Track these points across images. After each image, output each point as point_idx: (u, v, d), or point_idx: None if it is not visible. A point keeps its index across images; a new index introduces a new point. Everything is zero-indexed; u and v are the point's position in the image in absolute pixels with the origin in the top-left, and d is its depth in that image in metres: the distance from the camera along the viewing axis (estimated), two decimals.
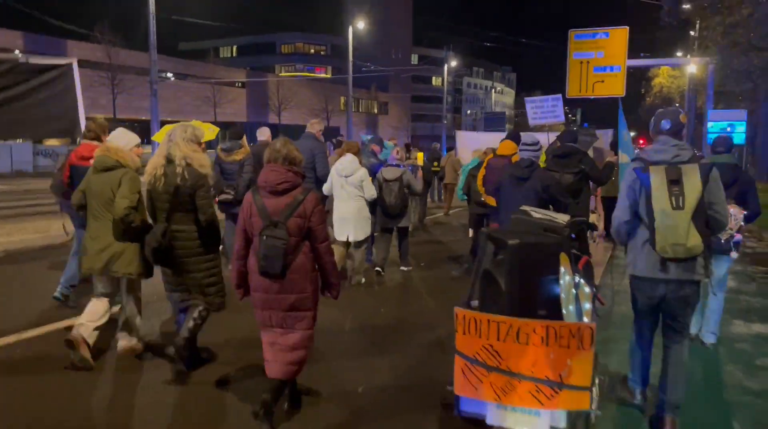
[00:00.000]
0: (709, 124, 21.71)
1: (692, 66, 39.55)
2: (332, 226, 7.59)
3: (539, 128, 14.05)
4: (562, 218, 3.75)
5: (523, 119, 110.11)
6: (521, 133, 7.65)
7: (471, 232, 8.62)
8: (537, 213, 3.79)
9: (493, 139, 15.49)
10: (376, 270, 7.56)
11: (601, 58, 23.92)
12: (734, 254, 4.98)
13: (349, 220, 6.92)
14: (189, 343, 4.25)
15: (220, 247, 4.92)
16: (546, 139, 9.38)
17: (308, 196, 3.53)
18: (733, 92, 26.59)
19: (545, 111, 12.81)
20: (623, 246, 3.84)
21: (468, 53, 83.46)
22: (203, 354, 4.52)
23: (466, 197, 8.40)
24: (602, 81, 24.56)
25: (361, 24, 41.07)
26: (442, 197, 15.09)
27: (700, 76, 33.72)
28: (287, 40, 77.16)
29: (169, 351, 4.19)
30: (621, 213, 3.67)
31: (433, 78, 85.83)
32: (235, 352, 4.84)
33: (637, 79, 45.83)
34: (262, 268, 3.45)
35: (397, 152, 7.78)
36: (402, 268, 7.98)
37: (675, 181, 3.37)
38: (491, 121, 66.17)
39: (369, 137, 10.87)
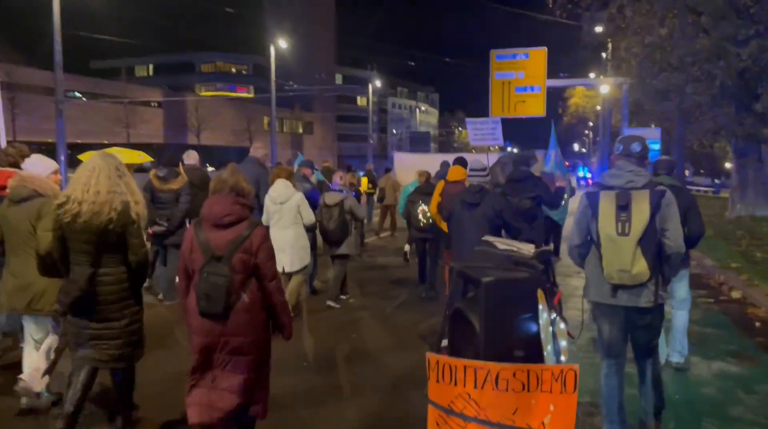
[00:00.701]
0: None
1: (605, 87, 41.68)
2: None
3: (480, 149, 14.27)
4: (527, 249, 3.56)
5: (448, 139, 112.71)
6: (464, 156, 7.58)
7: (414, 256, 8.25)
8: (501, 244, 3.55)
9: (430, 161, 15.64)
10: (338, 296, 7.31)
11: (522, 78, 24.65)
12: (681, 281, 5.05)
13: (285, 250, 6.49)
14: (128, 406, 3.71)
15: (147, 282, 4.40)
16: (486, 160, 9.41)
17: (255, 229, 3.25)
18: (647, 111, 28.09)
19: (485, 133, 12.97)
20: (579, 266, 3.78)
21: (392, 73, 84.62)
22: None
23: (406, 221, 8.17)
24: (524, 101, 25.26)
25: (283, 43, 40.42)
26: (382, 219, 14.74)
27: (614, 95, 35.52)
28: (207, 59, 75.26)
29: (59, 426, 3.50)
30: (573, 236, 3.67)
31: (358, 98, 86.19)
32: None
33: (554, 99, 47.98)
34: (202, 308, 3.13)
35: (341, 178, 7.46)
36: (341, 296, 7.59)
37: (623, 207, 3.33)
38: (416, 140, 67.08)
39: (298, 160, 10.38)
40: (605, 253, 3.35)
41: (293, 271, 6.59)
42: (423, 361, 5.50)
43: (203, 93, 69.31)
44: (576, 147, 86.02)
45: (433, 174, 8.87)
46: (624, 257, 3.28)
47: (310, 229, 6.89)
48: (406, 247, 9.93)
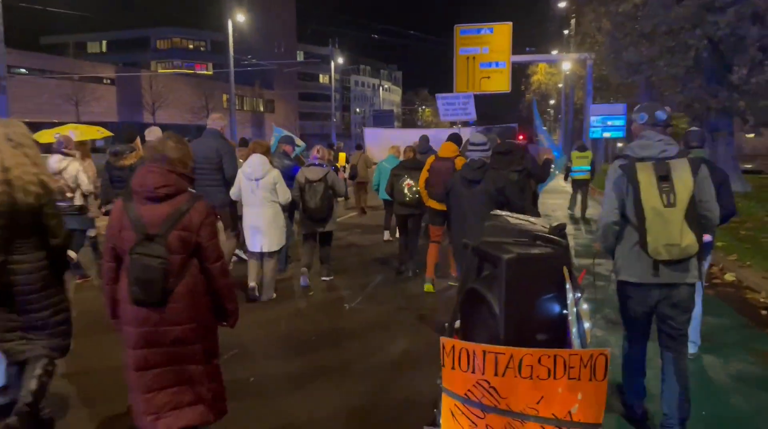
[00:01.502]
0: (593, 118, 22.78)
1: (567, 64, 41.88)
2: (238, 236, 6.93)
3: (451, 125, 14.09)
4: (541, 223, 3.32)
5: (412, 117, 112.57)
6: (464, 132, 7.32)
7: (398, 233, 8.16)
8: (512, 218, 3.26)
9: (404, 136, 15.47)
10: (302, 270, 6.97)
11: (487, 53, 24.48)
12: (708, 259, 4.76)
13: (262, 229, 6.22)
14: (35, 409, 3.12)
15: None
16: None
17: (196, 204, 2.88)
18: (611, 87, 28.22)
19: (456, 108, 12.85)
20: (608, 252, 3.52)
21: (354, 51, 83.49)
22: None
23: (389, 197, 7.90)
24: (488, 77, 25.12)
25: (241, 17, 39.11)
26: (358, 196, 14.48)
27: (577, 72, 35.67)
28: (163, 35, 72.61)
29: (10, 422, 3.03)
30: (609, 214, 3.38)
31: (321, 75, 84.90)
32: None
33: (518, 76, 48.00)
34: (135, 294, 2.74)
35: (318, 151, 7.09)
36: (323, 278, 7.34)
37: (664, 178, 3.14)
38: (379, 119, 66.28)
39: (277, 133, 9.83)
40: (651, 227, 3.12)
41: (270, 252, 6.32)
42: (409, 341, 5.23)
43: (162, 70, 67.09)
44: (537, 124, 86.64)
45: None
46: (672, 230, 3.08)
47: (284, 209, 6.61)
48: (386, 235, 9.91)
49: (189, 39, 74.20)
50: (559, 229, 2.99)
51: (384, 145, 13.76)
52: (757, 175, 23.66)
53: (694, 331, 4.72)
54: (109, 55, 68.26)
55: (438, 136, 15.87)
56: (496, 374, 2.42)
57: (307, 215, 6.81)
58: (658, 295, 3.26)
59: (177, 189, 2.87)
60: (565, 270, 2.76)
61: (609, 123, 23.31)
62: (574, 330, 2.64)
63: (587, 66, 25.03)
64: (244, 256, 7.45)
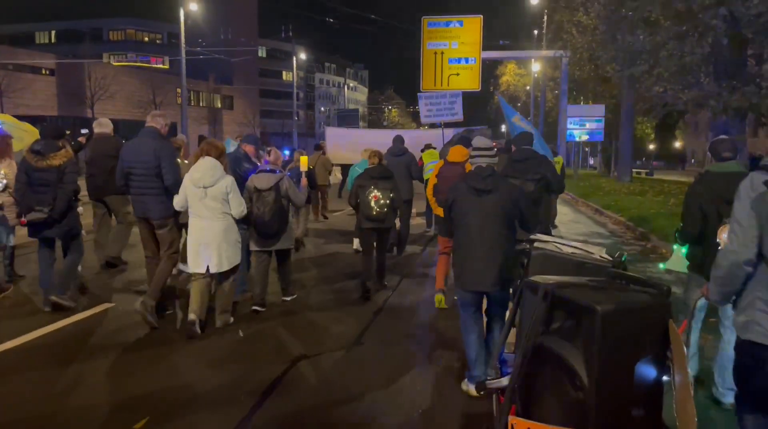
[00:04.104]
0: (569, 120, 21.02)
1: (537, 65, 40.32)
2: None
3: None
4: (598, 251, 3.14)
5: (377, 116, 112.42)
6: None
7: (357, 246, 7.72)
8: (566, 246, 3.13)
9: (370, 137, 14.45)
10: (254, 309, 6.15)
11: (456, 48, 22.77)
12: None
13: (212, 246, 5.45)
14: None
15: None
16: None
17: None
18: (585, 86, 26.61)
19: (442, 108, 11.25)
20: (726, 300, 2.66)
21: (319, 48, 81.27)
22: None
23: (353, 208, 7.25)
24: (457, 74, 23.36)
25: (194, 6, 36.32)
26: (316, 203, 13.22)
27: (549, 72, 34.07)
28: (116, 25, 69.16)
29: None
30: (741, 250, 2.47)
31: (284, 72, 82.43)
32: None
33: (486, 77, 46.51)
34: None
35: (270, 154, 6.40)
36: (284, 298, 6.57)
37: None
38: (344, 118, 64.49)
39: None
40: None
41: (221, 272, 5.58)
42: (385, 368, 4.66)
43: (116, 63, 63.73)
44: (503, 128, 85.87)
45: (385, 151, 8.20)
46: None
47: (242, 222, 5.88)
48: (356, 244, 9.19)
49: (144, 31, 70.91)
50: (621, 263, 2.73)
51: (347, 146, 13.35)
52: None
53: (730, 374, 3.46)
54: (58, 46, 64.48)
55: (419, 138, 14.32)
56: None
57: (256, 230, 6.08)
58: None
59: None
60: (671, 325, 2.39)
61: (587, 125, 21.63)
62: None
63: (562, 64, 23.32)
64: (186, 269, 6.11)
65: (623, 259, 3.04)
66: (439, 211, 6.30)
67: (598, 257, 2.94)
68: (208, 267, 5.42)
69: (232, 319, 5.73)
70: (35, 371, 4.49)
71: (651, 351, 2.36)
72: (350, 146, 15.82)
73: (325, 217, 13.22)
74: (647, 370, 2.34)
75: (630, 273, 2.61)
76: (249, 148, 6.80)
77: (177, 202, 5.54)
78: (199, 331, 5.37)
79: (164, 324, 5.60)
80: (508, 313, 4.47)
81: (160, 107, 49.02)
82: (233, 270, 5.69)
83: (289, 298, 6.54)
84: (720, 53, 9.39)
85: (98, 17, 67.73)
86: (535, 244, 3.59)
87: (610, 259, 2.98)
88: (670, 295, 2.54)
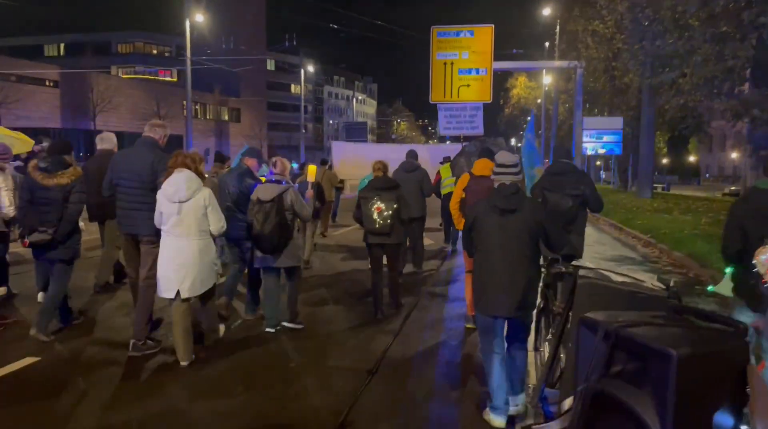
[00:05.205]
0: (586, 133, 20.10)
1: (547, 78, 39.57)
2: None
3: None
4: (650, 280, 2.94)
5: (386, 130, 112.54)
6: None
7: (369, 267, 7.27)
8: (613, 274, 3.02)
9: (377, 152, 14.08)
10: (267, 330, 5.94)
11: (466, 59, 22.02)
12: None
13: (187, 267, 4.99)
14: None
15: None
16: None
17: None
18: (601, 98, 25.77)
19: (462, 121, 10.71)
20: None
21: (328, 61, 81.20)
22: None
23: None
24: (468, 85, 22.52)
25: (205, 19, 35.99)
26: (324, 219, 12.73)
27: (560, 85, 33.32)
28: (125, 39, 69.38)
29: None
30: None
31: (292, 85, 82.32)
32: None
33: (496, 89, 45.91)
34: None
35: (276, 164, 6.14)
36: (285, 323, 6.09)
37: None
38: (352, 131, 64.00)
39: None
40: None
41: (193, 296, 5.13)
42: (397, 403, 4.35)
43: (124, 76, 63.79)
44: (513, 141, 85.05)
45: (391, 166, 7.79)
46: None
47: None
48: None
49: (153, 44, 71.02)
50: (676, 293, 2.51)
51: (355, 161, 13.02)
52: None
53: None
54: (66, 58, 64.70)
55: (437, 152, 13.71)
56: None
57: (255, 244, 5.89)
58: None
59: None
60: (750, 370, 2.18)
61: (605, 138, 20.69)
62: None
63: (577, 75, 22.54)
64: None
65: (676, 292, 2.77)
66: (461, 226, 5.99)
67: (651, 285, 2.79)
68: (179, 291, 4.98)
69: (222, 333, 5.72)
70: (20, 404, 4.29)
71: (729, 398, 2.20)
72: (357, 160, 15.29)
73: (324, 235, 12.74)
74: (725, 420, 2.17)
75: (693, 306, 2.46)
76: (251, 162, 6.65)
77: (155, 218, 5.14)
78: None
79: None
80: (531, 339, 4.31)
81: (166, 119, 48.55)
82: (208, 294, 5.29)
83: (291, 326, 6.08)
84: (764, 56, 8.54)
85: (108, 31, 68.14)
86: (581, 273, 3.33)
87: (665, 288, 2.77)
88: (747, 333, 2.33)
